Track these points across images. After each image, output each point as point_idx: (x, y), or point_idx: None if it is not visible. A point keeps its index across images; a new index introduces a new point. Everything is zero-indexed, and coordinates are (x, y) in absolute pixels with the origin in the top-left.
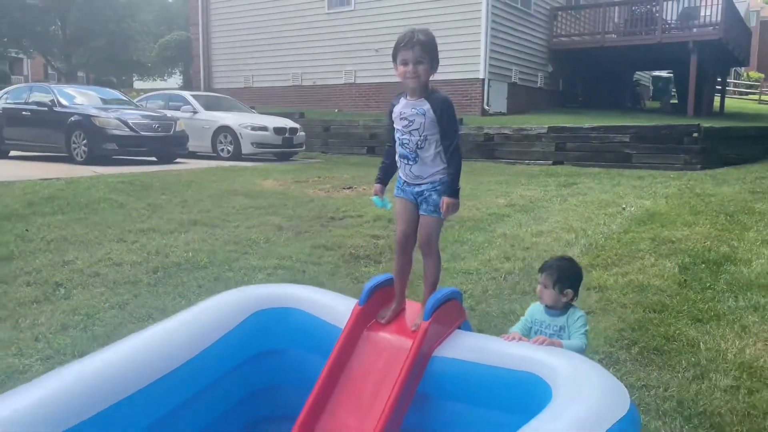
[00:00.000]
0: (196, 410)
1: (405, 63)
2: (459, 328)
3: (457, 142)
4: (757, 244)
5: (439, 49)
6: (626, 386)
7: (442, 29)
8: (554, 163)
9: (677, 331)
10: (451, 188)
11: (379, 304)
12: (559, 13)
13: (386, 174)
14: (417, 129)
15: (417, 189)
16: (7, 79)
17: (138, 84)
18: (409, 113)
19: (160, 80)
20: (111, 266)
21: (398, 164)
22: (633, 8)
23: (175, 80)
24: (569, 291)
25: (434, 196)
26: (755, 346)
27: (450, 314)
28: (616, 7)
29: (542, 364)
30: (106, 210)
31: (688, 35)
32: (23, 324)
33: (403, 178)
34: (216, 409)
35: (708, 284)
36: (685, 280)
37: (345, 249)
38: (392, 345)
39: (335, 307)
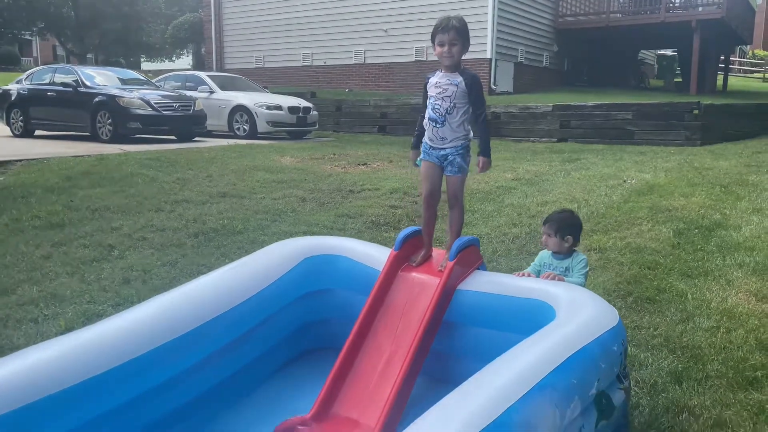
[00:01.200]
0: (261, 336)
1: (442, 44)
2: (478, 269)
3: (485, 112)
4: (748, 212)
5: None
6: None
7: (449, 10)
8: (559, 141)
9: (668, 285)
10: (485, 150)
11: (410, 251)
12: None
13: (419, 140)
14: (449, 96)
15: (442, 152)
16: (17, 61)
17: (146, 65)
18: (444, 83)
19: (169, 61)
20: (155, 231)
21: (426, 127)
22: None
23: (185, 61)
24: (569, 237)
25: (458, 159)
26: (737, 296)
27: (471, 257)
28: None
29: (548, 293)
30: (140, 183)
31: (691, 14)
32: (89, 278)
33: (429, 142)
34: (275, 337)
35: (699, 246)
36: (678, 242)
37: (366, 217)
38: (423, 282)
39: (373, 254)
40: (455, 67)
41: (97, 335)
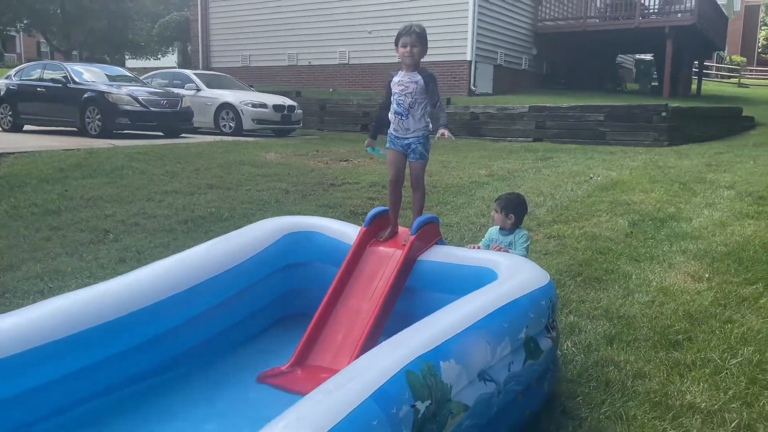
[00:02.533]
0: (245, 303)
1: (405, 45)
2: (437, 243)
3: (441, 100)
4: (701, 206)
5: (428, 32)
6: (567, 302)
7: (432, 13)
8: (534, 140)
9: (616, 267)
10: (445, 125)
11: (378, 228)
12: None
13: (375, 131)
14: (410, 93)
15: (405, 142)
16: (0, 57)
17: (130, 63)
18: (405, 81)
19: (154, 59)
20: (147, 218)
21: (391, 120)
22: None
23: (170, 59)
24: (512, 215)
25: (419, 148)
26: (675, 277)
27: (430, 232)
28: None
29: (492, 261)
30: (130, 175)
31: (664, 21)
32: (87, 257)
33: (394, 133)
34: (257, 304)
35: (650, 235)
36: (631, 232)
37: (345, 208)
38: (388, 255)
39: (346, 231)
40: (415, 66)
41: (104, 290)
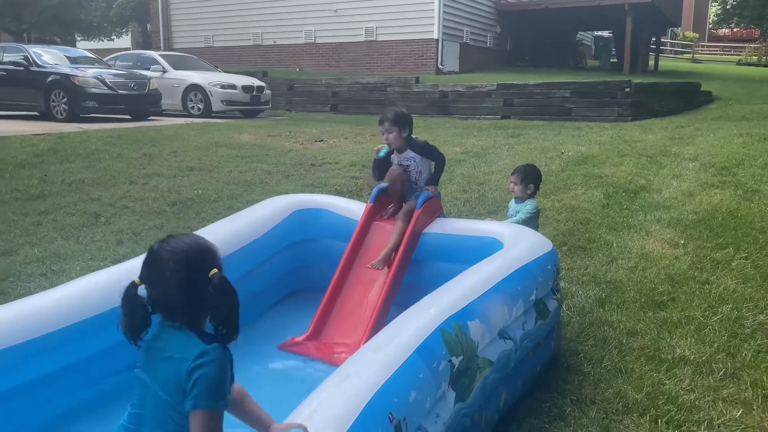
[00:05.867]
0: (258, 277)
1: (383, 133)
2: (439, 217)
3: (443, 159)
4: (669, 178)
5: (395, 11)
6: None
7: None
8: (503, 118)
9: (597, 236)
10: (436, 181)
11: (383, 204)
12: None
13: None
14: (414, 169)
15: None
16: None
17: (81, 45)
18: (403, 162)
19: (108, 40)
20: (135, 201)
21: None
22: None
23: (125, 41)
24: (531, 186)
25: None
26: (653, 244)
27: (434, 206)
28: None
29: (496, 232)
30: (107, 159)
31: None
32: (84, 240)
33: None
34: (269, 278)
35: (625, 206)
36: (607, 203)
37: (331, 187)
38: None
39: (352, 208)
40: (403, 145)
41: (128, 268)
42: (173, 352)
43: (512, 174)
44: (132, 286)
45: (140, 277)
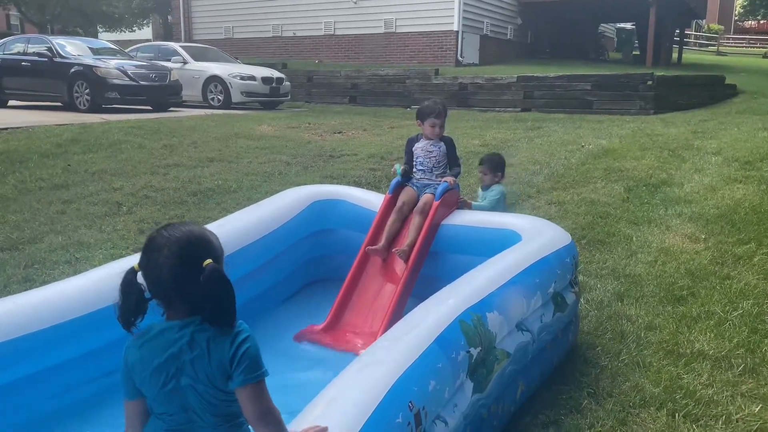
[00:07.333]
0: (279, 266)
1: (433, 126)
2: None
3: (459, 171)
4: (690, 172)
5: (416, 3)
6: None
7: None
8: (523, 110)
9: (617, 230)
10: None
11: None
12: None
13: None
14: (434, 156)
15: (424, 184)
16: None
17: (103, 36)
18: (429, 147)
19: (129, 32)
20: (156, 191)
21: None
22: None
23: (146, 32)
24: (499, 173)
25: (436, 189)
26: (674, 239)
27: (452, 198)
28: None
29: (514, 224)
30: (129, 149)
31: None
32: (106, 229)
33: (415, 181)
34: (288, 267)
35: (646, 200)
36: (628, 197)
37: (349, 178)
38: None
39: (370, 199)
40: (438, 137)
41: None
42: (202, 345)
43: (480, 165)
44: (131, 272)
45: (139, 263)
